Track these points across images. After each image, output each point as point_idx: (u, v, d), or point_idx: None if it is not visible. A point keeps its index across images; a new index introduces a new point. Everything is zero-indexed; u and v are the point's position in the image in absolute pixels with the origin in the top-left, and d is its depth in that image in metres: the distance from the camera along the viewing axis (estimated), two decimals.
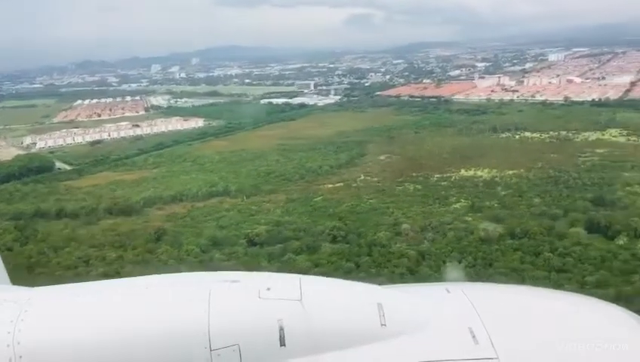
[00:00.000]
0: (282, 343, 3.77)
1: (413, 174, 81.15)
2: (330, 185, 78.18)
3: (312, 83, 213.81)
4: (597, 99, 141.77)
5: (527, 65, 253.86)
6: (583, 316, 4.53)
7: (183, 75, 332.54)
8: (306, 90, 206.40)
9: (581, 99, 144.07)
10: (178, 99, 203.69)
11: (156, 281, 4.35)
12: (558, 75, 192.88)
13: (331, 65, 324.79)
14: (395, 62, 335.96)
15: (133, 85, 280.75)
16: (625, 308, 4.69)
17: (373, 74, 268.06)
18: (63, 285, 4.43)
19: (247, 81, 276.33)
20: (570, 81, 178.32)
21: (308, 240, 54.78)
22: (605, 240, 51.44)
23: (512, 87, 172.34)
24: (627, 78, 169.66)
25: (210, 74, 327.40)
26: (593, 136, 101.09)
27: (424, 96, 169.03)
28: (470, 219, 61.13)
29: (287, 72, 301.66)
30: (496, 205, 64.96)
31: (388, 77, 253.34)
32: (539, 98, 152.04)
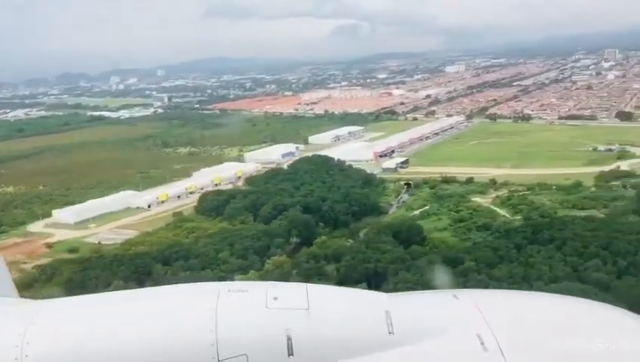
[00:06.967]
0: (290, 352, 3.75)
1: None
2: None
3: (166, 96, 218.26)
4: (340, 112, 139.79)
5: (416, 77, 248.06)
6: (591, 321, 4.44)
7: (121, 86, 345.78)
8: (159, 103, 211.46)
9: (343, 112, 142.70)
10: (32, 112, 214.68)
11: (164, 292, 4.37)
12: (399, 87, 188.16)
13: (268, 77, 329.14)
14: (330, 73, 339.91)
15: (52, 97, 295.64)
16: (636, 314, 4.61)
17: (269, 85, 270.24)
18: (70, 297, 4.44)
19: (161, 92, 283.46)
20: (388, 94, 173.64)
21: None
22: None
23: (317, 100, 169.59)
24: (433, 91, 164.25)
25: (159, 85, 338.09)
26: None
27: (223, 109, 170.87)
28: None
29: (217, 83, 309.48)
30: None
31: (274, 87, 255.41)
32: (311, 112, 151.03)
